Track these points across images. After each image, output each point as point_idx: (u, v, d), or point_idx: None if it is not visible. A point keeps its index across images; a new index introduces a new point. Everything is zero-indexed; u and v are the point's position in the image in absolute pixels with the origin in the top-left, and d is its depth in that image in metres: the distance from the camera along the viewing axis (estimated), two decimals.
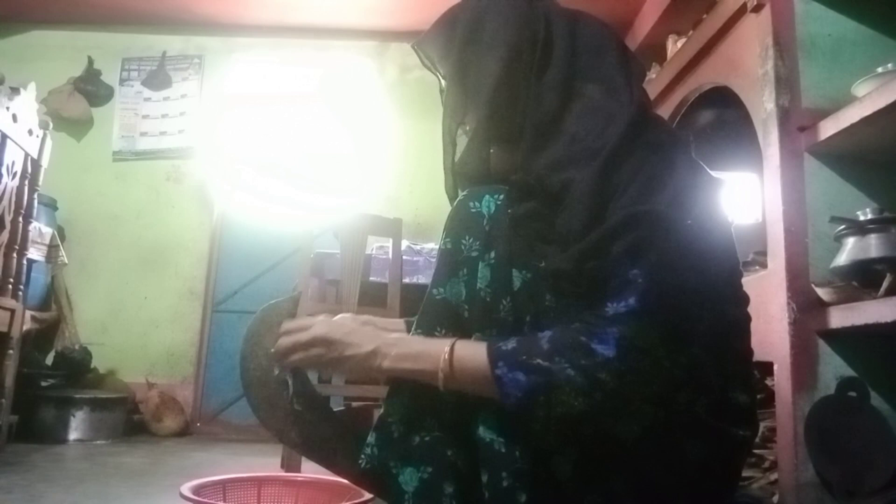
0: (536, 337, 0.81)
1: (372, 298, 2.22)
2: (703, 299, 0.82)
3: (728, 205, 0.93)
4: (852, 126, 1.43)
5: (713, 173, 0.94)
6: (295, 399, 0.98)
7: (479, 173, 0.95)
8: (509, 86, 0.93)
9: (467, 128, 0.99)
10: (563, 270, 0.81)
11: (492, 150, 0.96)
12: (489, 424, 0.83)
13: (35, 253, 2.70)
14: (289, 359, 0.94)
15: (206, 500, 1.15)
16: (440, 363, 0.83)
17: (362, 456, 0.90)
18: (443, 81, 1.07)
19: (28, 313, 2.69)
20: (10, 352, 2.37)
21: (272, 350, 0.97)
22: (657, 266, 0.78)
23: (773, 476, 1.55)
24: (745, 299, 0.93)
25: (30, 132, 2.44)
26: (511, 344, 0.81)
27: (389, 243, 2.34)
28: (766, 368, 1.56)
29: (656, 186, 0.82)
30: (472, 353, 0.83)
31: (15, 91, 2.34)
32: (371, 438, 0.90)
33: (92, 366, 3.41)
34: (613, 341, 0.76)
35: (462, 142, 1.00)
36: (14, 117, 2.32)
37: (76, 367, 3.30)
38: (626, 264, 0.78)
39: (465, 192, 0.93)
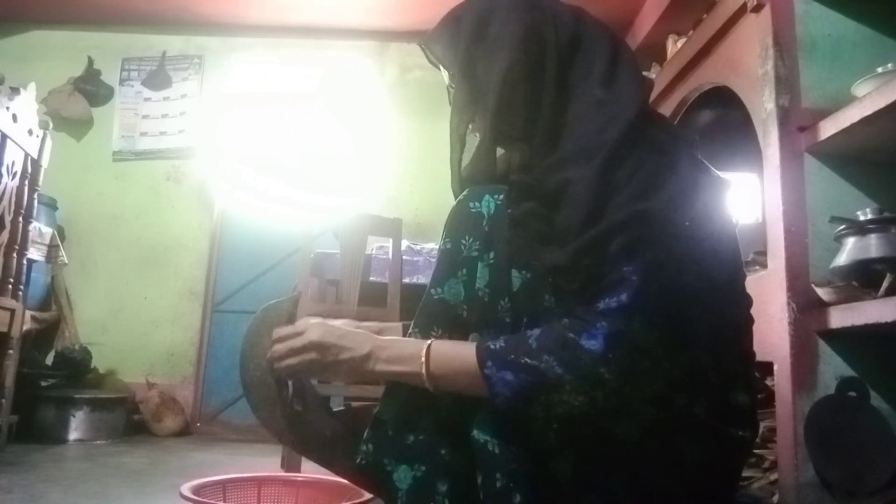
0: (525, 335, 0.81)
1: (372, 298, 2.22)
2: (702, 300, 0.82)
3: (733, 205, 0.93)
4: (852, 126, 1.42)
5: (718, 174, 0.93)
6: (295, 399, 0.98)
7: (486, 176, 0.94)
8: (516, 85, 0.92)
9: (470, 127, 0.98)
10: (560, 266, 0.81)
11: (500, 152, 0.96)
12: (484, 426, 0.83)
13: (35, 253, 2.70)
14: (283, 364, 0.93)
15: (206, 500, 1.15)
16: (420, 365, 0.84)
17: (359, 452, 0.90)
18: (448, 79, 1.07)
19: (28, 313, 2.69)
20: (10, 352, 2.37)
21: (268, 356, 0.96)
22: (651, 264, 0.78)
23: (773, 476, 1.55)
24: (747, 301, 0.92)
25: (30, 132, 2.44)
26: (500, 343, 0.81)
27: (389, 243, 2.33)
28: (766, 368, 1.56)
29: (655, 185, 0.81)
30: (458, 352, 0.84)
31: (15, 91, 2.34)
32: (367, 436, 0.90)
33: (92, 366, 3.41)
34: (602, 336, 0.76)
35: (471, 141, 0.99)
36: (14, 117, 2.32)
37: (76, 367, 3.30)
38: (622, 261, 0.78)
39: (465, 192, 0.93)
